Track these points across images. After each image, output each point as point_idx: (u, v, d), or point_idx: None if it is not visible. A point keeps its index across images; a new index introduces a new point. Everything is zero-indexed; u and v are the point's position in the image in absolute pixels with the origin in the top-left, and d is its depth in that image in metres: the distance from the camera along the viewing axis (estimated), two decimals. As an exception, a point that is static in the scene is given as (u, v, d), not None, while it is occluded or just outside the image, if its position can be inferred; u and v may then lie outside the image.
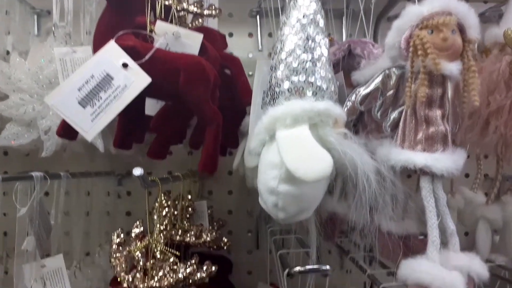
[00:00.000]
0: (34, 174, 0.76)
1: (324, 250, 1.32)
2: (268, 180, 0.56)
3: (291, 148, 0.53)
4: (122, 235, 0.69)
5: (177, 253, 0.66)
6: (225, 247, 0.95)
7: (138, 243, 0.66)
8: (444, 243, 0.58)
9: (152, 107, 0.74)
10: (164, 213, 0.81)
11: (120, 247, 0.67)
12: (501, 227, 0.81)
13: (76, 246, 1.05)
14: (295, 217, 0.57)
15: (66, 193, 1.04)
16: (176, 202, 0.92)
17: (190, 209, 0.97)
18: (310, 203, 0.57)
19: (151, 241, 0.66)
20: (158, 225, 0.74)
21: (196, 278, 0.65)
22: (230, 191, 1.29)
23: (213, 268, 0.73)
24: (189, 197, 0.98)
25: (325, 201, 0.95)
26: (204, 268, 0.68)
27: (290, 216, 0.57)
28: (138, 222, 0.71)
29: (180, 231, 0.84)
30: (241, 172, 0.93)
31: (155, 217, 0.77)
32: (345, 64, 0.89)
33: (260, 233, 1.28)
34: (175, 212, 0.92)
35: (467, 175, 1.26)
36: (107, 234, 1.19)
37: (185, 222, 0.90)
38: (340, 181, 0.94)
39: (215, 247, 0.93)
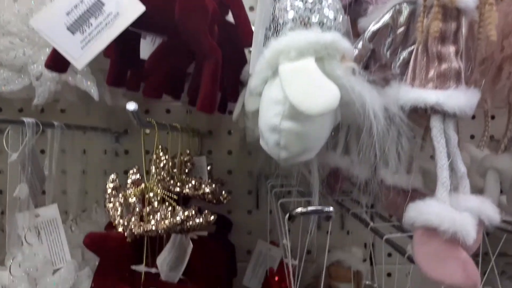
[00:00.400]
0: (25, 119, 0.73)
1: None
2: (270, 118, 0.53)
3: (295, 80, 0.50)
4: (117, 180, 0.66)
5: (175, 197, 0.63)
6: (225, 201, 0.92)
7: (134, 189, 0.64)
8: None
9: (147, 50, 0.71)
10: (161, 164, 0.78)
11: (115, 191, 0.64)
12: (510, 180, 0.78)
13: (72, 203, 1.03)
14: (298, 157, 0.54)
15: (62, 151, 1.02)
16: (175, 160, 0.90)
17: (189, 164, 0.94)
18: (314, 142, 0.54)
19: (147, 185, 0.63)
20: (155, 176, 0.71)
21: (194, 223, 0.63)
22: (230, 151, 1.26)
23: (212, 217, 0.71)
24: (188, 151, 0.96)
25: (327, 155, 0.94)
26: (203, 215, 0.66)
27: (293, 156, 0.54)
28: (134, 169, 0.69)
29: (178, 182, 0.81)
30: (241, 125, 0.90)
31: (152, 168, 0.75)
32: (351, 11, 0.85)
33: (260, 193, 1.27)
34: (174, 170, 0.89)
35: (472, 136, 1.23)
36: (104, 192, 1.17)
37: (183, 176, 0.88)
38: (344, 134, 0.92)
39: (214, 201, 0.90)
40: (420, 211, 0.53)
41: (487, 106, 0.90)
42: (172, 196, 0.63)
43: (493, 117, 1.03)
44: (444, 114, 0.54)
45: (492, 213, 0.53)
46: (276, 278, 0.95)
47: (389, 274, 1.22)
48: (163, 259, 0.70)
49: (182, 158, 0.93)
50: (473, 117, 1.38)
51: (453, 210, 0.51)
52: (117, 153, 1.23)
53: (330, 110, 0.48)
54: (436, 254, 0.51)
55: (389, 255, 1.19)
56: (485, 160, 0.78)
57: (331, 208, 0.57)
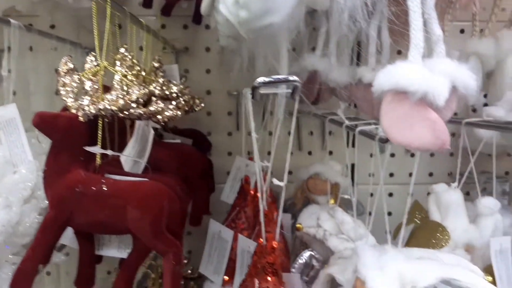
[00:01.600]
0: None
1: (306, 131, 1.28)
2: (228, -30, 0.48)
3: None
4: (71, 63, 0.61)
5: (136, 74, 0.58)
6: (197, 109, 0.88)
7: (90, 70, 0.59)
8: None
9: None
10: (127, 60, 0.70)
11: (68, 74, 0.59)
12: (493, 67, 0.74)
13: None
14: (260, 19, 0.49)
15: (33, 70, 0.96)
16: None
17: (159, 71, 0.89)
18: (277, 1, 0.49)
19: (103, 64, 0.58)
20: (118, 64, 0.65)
21: (155, 108, 0.58)
22: (208, 69, 1.21)
23: (179, 112, 0.67)
24: (158, 57, 0.90)
25: (305, 58, 0.89)
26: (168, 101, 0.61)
27: (254, 17, 0.49)
28: (92, 57, 0.63)
29: (144, 80, 0.75)
30: (213, 24, 0.84)
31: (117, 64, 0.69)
32: None
33: (240, 114, 1.23)
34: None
35: (462, 31, 1.15)
36: (56, 75, 1.11)
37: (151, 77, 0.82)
38: (323, 34, 0.87)
39: (186, 108, 0.86)
40: (390, 75, 0.49)
41: None
42: (132, 74, 0.58)
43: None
44: (421, -30, 0.49)
45: (468, 79, 0.50)
46: (252, 192, 0.93)
47: (371, 194, 1.21)
48: (127, 154, 0.66)
49: (151, 64, 0.87)
50: (462, 31, 1.30)
51: (425, 71, 0.48)
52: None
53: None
54: (405, 118, 0.48)
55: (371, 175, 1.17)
56: (467, 46, 0.74)
57: (296, 77, 0.53)
